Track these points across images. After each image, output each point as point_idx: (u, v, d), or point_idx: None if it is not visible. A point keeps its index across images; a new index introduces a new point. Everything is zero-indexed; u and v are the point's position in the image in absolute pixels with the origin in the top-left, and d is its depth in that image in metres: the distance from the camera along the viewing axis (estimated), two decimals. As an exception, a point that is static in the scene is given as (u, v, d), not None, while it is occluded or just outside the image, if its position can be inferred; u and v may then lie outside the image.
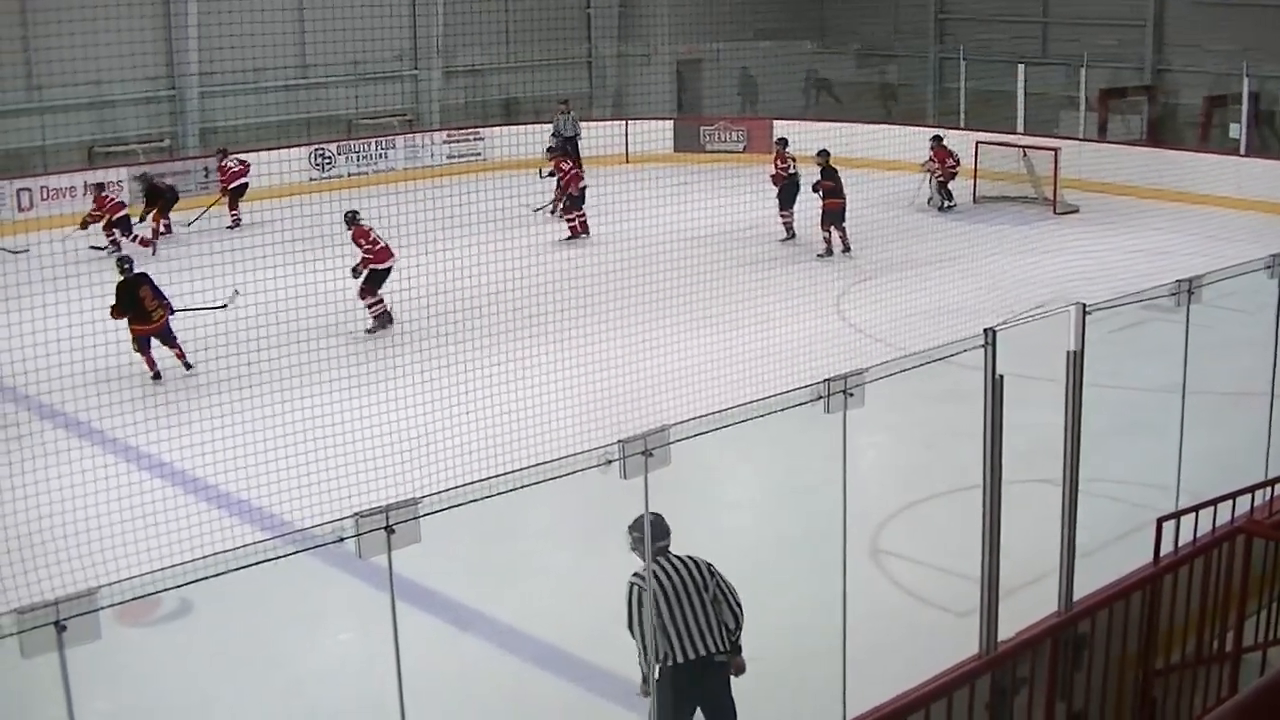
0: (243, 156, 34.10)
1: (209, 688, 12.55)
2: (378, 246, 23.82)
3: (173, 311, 21.49)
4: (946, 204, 34.17)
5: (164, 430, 17.15)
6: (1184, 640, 10.51)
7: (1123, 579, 10.69)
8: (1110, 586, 10.55)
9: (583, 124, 39.22)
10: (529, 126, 38.09)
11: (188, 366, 21.28)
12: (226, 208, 33.53)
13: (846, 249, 29.27)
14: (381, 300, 23.60)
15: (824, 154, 29.91)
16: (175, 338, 21.54)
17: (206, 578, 7.18)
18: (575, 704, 12.23)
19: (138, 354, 21.15)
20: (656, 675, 9.88)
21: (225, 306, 22.12)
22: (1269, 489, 12.30)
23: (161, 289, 21.53)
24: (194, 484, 16.66)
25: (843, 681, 10.07)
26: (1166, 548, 10.94)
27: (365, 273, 23.61)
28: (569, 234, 30.71)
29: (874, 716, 9.06)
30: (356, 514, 7.67)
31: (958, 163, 34.38)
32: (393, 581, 7.93)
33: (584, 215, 30.96)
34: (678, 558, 10.02)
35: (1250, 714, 2.59)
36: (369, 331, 23.17)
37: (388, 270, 23.70)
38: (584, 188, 31.19)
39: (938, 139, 34.79)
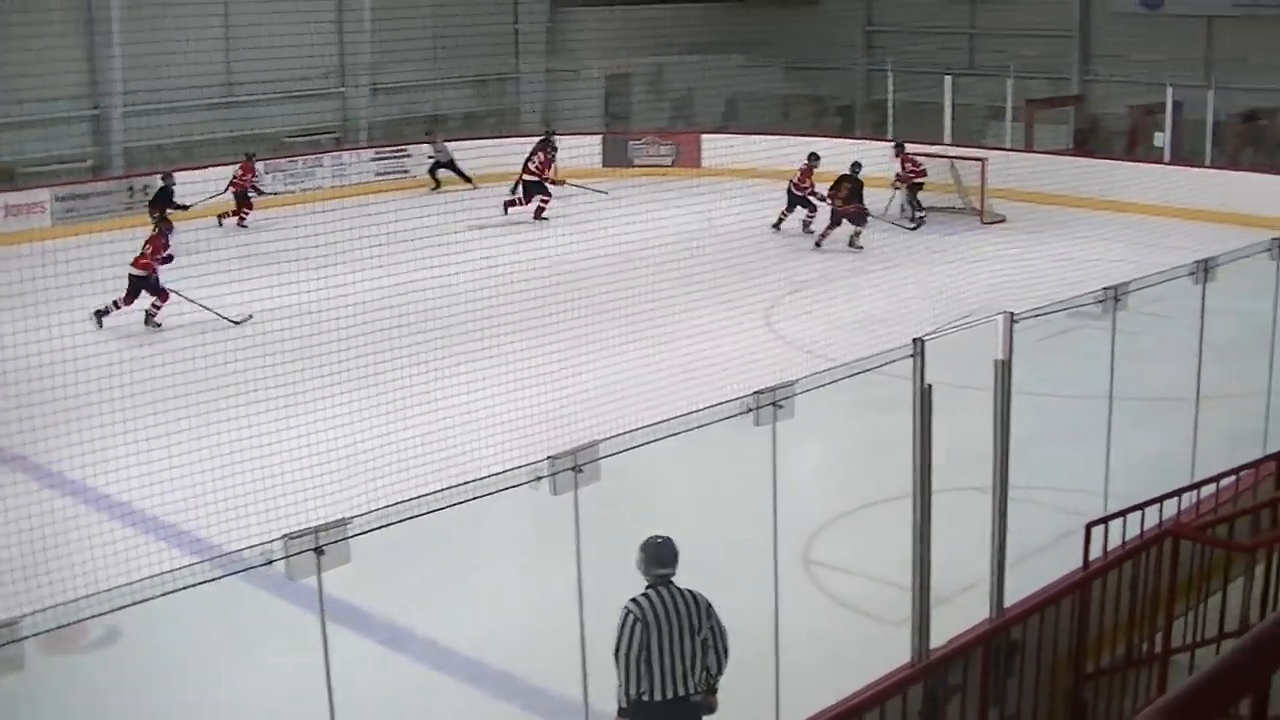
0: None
1: (140, 715, 12.44)
2: None
3: None
4: (918, 214, 34.21)
5: (88, 455, 16.97)
6: (1114, 643, 10.57)
7: (1053, 584, 10.74)
8: (1041, 592, 10.59)
9: (511, 140, 39.13)
10: (457, 143, 38.04)
11: None
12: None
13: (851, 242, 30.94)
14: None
15: (853, 166, 31.76)
16: None
17: (135, 604, 7.13)
18: (510, 723, 12.21)
19: None
20: (627, 707, 9.77)
21: None
22: (1196, 492, 12.39)
23: None
24: (120, 509, 16.49)
25: (776, 692, 10.07)
26: (1096, 552, 10.99)
27: None
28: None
29: (808, 727, 9.06)
30: (286, 536, 7.63)
31: (921, 171, 34.38)
32: (323, 603, 7.88)
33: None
34: (679, 591, 9.74)
35: (1178, 714, 2.59)
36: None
37: None
38: None
39: (901, 146, 34.77)
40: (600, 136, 41.80)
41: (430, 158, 39.15)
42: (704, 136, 40.75)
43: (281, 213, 33.43)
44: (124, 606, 7.13)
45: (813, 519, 15.64)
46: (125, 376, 19.16)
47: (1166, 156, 35.90)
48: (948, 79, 38.84)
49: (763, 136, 38.26)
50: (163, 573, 7.42)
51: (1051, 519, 14.20)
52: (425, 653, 13.27)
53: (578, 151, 38.44)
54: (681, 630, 9.60)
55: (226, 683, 13.08)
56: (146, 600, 7.15)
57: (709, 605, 9.74)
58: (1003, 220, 33.98)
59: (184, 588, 7.30)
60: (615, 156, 41.26)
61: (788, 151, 34.68)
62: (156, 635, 12.43)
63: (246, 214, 34.79)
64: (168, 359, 19.27)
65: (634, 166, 40.99)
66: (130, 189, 34.57)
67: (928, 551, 9.86)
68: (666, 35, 43.03)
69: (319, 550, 7.62)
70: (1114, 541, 11.07)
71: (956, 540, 10.94)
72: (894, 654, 10.16)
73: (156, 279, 24.77)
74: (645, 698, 9.60)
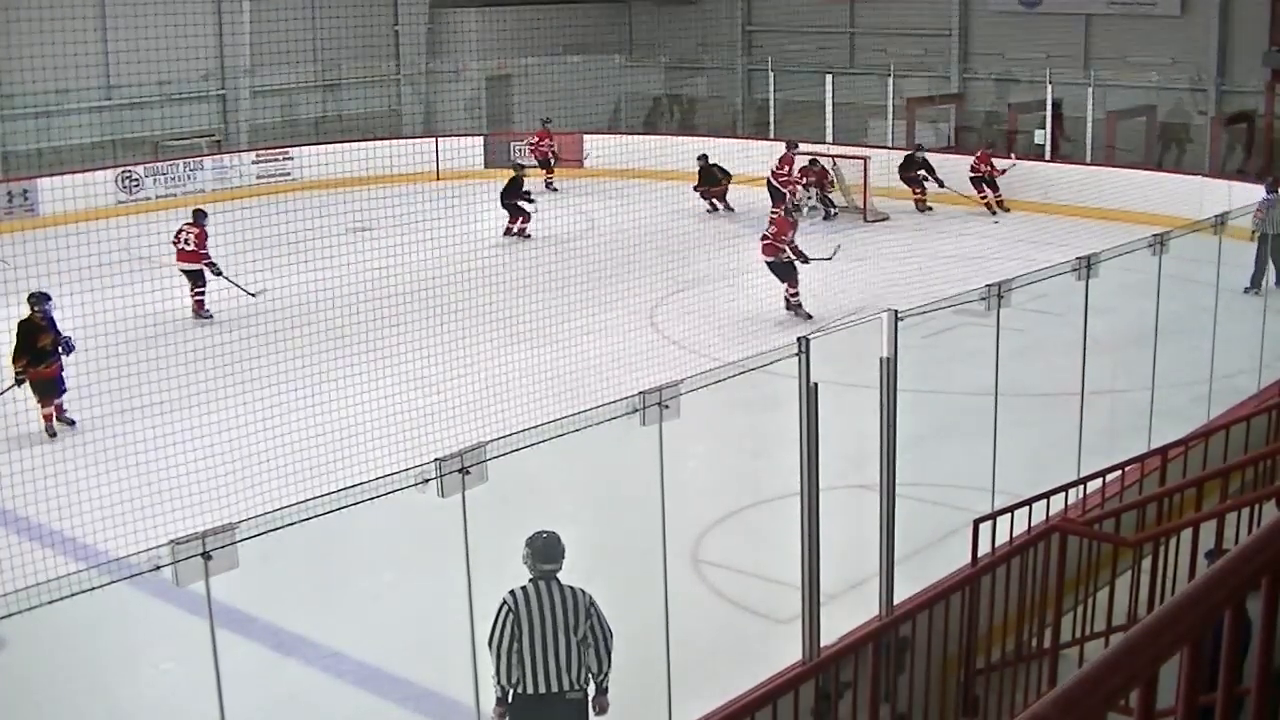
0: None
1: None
2: None
3: None
4: (831, 211, 34.32)
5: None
6: (1004, 639, 10.63)
7: (942, 581, 10.79)
8: (930, 589, 10.64)
9: (395, 142, 38.97)
10: (339, 145, 37.86)
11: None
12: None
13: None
14: None
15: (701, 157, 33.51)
16: None
17: (20, 612, 7.03)
18: (401, 725, 12.14)
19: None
20: (509, 699, 9.77)
21: None
22: (1081, 487, 12.49)
23: None
24: (2, 516, 16.30)
25: (668, 692, 10.06)
26: (984, 549, 11.06)
27: None
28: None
29: (699, 727, 9.06)
30: (173, 541, 7.54)
31: (822, 172, 34.50)
32: (211, 608, 7.81)
33: None
34: (561, 587, 9.71)
35: (1068, 707, 2.60)
36: None
37: None
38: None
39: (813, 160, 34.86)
40: (482, 138, 41.65)
41: None
42: (586, 137, 40.67)
43: (162, 216, 33.09)
44: (9, 615, 7.03)
45: (701, 518, 15.63)
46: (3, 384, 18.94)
47: (1046, 153, 36.25)
48: (829, 78, 38.99)
49: (645, 136, 38.36)
50: (48, 580, 7.32)
51: (939, 516, 14.28)
52: (315, 657, 13.17)
53: (460, 153, 38.35)
54: (556, 627, 9.60)
55: (115, 690, 12.93)
56: (32, 609, 7.06)
57: (591, 605, 9.75)
58: (886, 218, 34.15)
59: (70, 595, 7.20)
60: (497, 157, 41.13)
61: (670, 151, 34.86)
62: (42, 644, 12.27)
63: (551, 177, 38.96)
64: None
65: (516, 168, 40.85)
66: (9, 194, 34.03)
67: (817, 549, 9.88)
68: (547, 36, 42.98)
69: (206, 555, 7.55)
70: (1001, 537, 11.14)
71: (845, 538, 10.99)
72: (785, 652, 10.18)
73: (790, 259, 25.06)
74: (519, 689, 9.65)
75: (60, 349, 19.50)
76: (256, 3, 39.71)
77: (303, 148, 39.23)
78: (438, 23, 45.02)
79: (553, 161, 39.17)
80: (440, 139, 40.57)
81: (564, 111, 42.43)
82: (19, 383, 19.21)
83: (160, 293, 21.82)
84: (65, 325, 19.51)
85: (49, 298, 19.75)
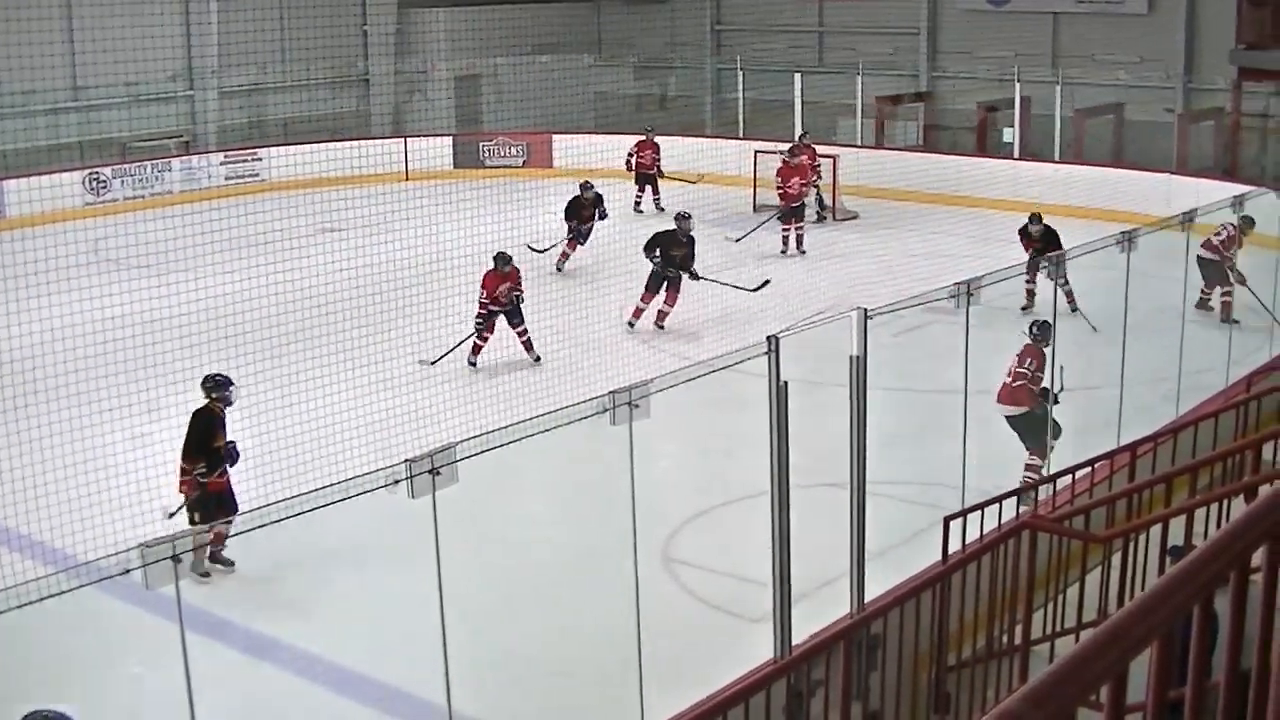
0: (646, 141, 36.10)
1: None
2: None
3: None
4: (820, 211, 34.08)
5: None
6: (975, 636, 10.64)
7: (913, 578, 10.80)
8: (901, 586, 10.65)
9: (363, 142, 38.90)
10: (307, 146, 37.77)
11: None
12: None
13: None
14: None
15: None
16: None
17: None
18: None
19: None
20: None
21: None
22: (1051, 484, 12.52)
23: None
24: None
25: (640, 692, 10.06)
26: (954, 546, 11.08)
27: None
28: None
29: (672, 725, 9.06)
30: (142, 544, 7.53)
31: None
32: (181, 612, 7.78)
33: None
34: None
35: (1039, 702, 2.60)
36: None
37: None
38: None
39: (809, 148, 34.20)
40: (451, 138, 41.57)
41: None
42: (555, 137, 40.65)
43: (129, 218, 32.97)
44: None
45: (672, 517, 15.62)
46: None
47: (1015, 152, 36.30)
48: (798, 77, 39.03)
49: (615, 136, 38.30)
50: (15, 585, 7.29)
51: (909, 514, 14.29)
52: (287, 659, 13.13)
53: (428, 154, 38.27)
54: None
55: (84, 696, 12.86)
56: (1, 613, 7.03)
57: None
58: (855, 216, 34.09)
59: (39, 599, 7.17)
60: (466, 158, 41.06)
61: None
62: (11, 649, 12.22)
63: (657, 196, 35.48)
64: (15, 367, 18.92)
65: (485, 168, 40.77)
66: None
67: (787, 548, 9.89)
68: (516, 36, 42.94)
69: (176, 558, 7.52)
70: (972, 535, 11.16)
71: (816, 536, 10.98)
72: (756, 651, 10.18)
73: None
74: None
75: (227, 455, 15.23)
76: (224, 3, 39.60)
77: (271, 148, 39.08)
78: (406, 23, 44.93)
79: (658, 176, 35.45)
80: (409, 139, 40.51)
81: (534, 112, 42.45)
82: (199, 503, 14.53)
83: (127, 294, 21.73)
84: (31, 329, 19.34)
85: (231, 383, 15.81)
